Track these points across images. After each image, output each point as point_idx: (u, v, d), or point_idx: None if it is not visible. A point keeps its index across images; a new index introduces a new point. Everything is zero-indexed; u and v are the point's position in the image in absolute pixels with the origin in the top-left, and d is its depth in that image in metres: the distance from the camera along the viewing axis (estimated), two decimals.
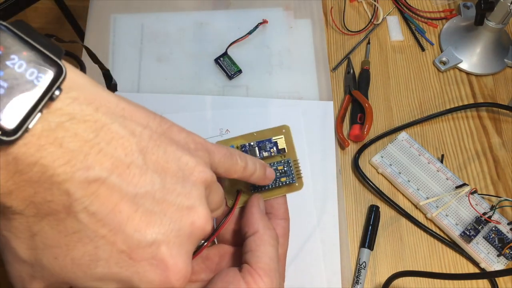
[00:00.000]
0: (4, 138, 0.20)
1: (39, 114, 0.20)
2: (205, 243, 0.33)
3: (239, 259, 0.33)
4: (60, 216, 0.22)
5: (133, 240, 0.23)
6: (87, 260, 0.23)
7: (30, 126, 0.20)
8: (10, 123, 0.20)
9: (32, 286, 0.25)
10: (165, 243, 0.24)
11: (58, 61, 0.22)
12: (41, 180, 0.21)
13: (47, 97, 0.21)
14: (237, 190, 0.35)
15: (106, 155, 0.22)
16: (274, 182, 0.35)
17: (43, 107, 0.21)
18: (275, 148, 0.36)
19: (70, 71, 0.22)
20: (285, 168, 0.36)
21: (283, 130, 0.36)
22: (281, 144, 0.36)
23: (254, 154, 0.36)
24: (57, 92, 0.21)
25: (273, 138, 0.36)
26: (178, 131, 0.27)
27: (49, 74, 0.21)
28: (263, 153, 0.36)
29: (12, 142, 0.20)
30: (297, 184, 0.36)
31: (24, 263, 0.24)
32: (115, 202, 0.23)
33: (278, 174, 0.36)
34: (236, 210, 0.35)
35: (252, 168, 0.32)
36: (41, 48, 0.21)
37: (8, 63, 0.20)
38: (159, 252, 0.24)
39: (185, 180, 0.26)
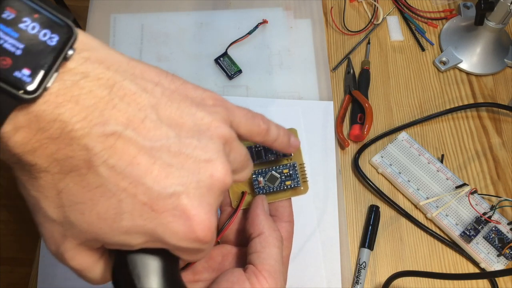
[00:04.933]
0: (26, 96, 0.21)
1: (55, 73, 0.21)
2: None
3: (242, 259, 0.33)
4: (82, 172, 0.23)
5: (153, 192, 0.24)
6: (112, 213, 0.24)
7: (48, 85, 0.21)
8: (30, 83, 0.21)
9: (65, 245, 0.25)
10: (185, 194, 0.24)
11: (69, 22, 0.22)
12: (61, 137, 0.22)
13: (62, 56, 0.22)
14: (242, 191, 0.36)
15: (121, 111, 0.23)
16: (279, 185, 0.35)
17: (58, 66, 0.21)
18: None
19: (82, 34, 0.23)
20: (291, 172, 0.36)
21: None
22: None
23: (260, 157, 0.36)
24: (70, 52, 0.22)
25: None
26: (193, 88, 0.27)
27: (62, 35, 0.22)
28: (269, 156, 0.36)
29: (33, 100, 0.21)
30: (302, 188, 0.36)
31: (54, 222, 0.24)
32: (133, 155, 0.23)
33: (283, 177, 0.36)
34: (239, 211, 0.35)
35: (275, 133, 0.31)
36: (51, 10, 0.22)
37: (21, 25, 0.21)
38: (180, 202, 0.24)
39: (201, 134, 0.25)
